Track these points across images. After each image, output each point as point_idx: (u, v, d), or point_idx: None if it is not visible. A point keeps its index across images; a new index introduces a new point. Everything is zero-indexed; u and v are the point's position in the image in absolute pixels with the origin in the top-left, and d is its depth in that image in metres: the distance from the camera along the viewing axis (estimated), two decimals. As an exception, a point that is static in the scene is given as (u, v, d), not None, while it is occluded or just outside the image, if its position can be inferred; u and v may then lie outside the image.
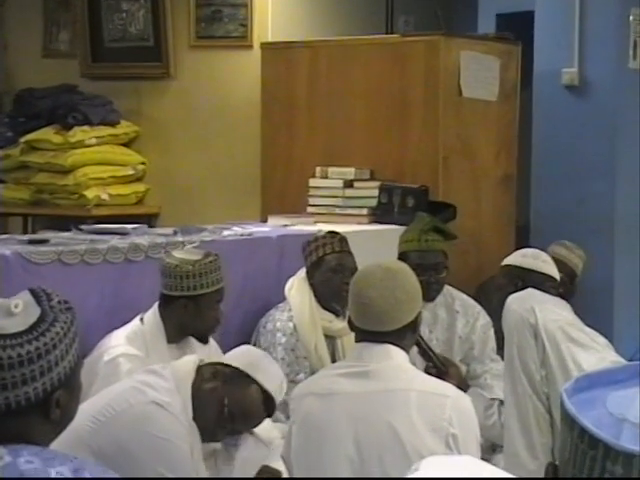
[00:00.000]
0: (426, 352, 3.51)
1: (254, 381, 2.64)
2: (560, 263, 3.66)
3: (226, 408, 2.57)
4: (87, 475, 1.56)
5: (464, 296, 3.89)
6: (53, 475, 1.55)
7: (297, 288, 3.62)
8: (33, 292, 1.68)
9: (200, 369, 2.60)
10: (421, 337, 3.50)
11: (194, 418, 2.52)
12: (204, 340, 3.18)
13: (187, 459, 2.44)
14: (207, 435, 2.56)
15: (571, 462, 1.13)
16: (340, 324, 3.57)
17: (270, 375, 2.69)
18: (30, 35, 5.84)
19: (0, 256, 3.03)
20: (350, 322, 2.46)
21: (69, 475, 1.55)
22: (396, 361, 2.37)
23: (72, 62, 5.70)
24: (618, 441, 1.09)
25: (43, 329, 1.63)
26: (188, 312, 3.08)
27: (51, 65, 5.76)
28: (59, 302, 1.68)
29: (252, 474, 2.69)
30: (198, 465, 2.50)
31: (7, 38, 5.93)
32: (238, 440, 2.72)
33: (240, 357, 2.73)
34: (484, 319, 3.81)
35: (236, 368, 2.64)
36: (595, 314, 3.96)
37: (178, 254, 3.17)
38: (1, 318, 1.63)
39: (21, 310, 1.64)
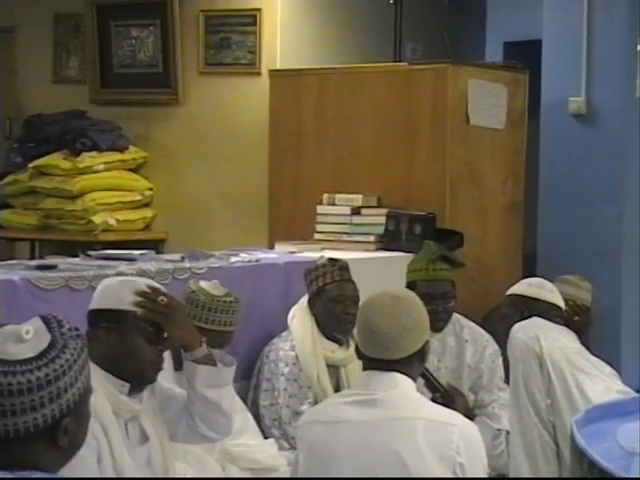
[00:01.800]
0: (432, 383, 3.50)
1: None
2: (570, 302, 3.64)
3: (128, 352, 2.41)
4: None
5: (473, 324, 3.89)
6: (61, 502, 1.55)
7: (299, 318, 3.61)
8: (44, 318, 1.68)
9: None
10: (426, 369, 3.49)
11: (120, 376, 2.40)
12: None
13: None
14: (144, 380, 2.44)
15: None
16: (343, 353, 3.56)
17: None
18: (40, 61, 5.89)
19: (8, 282, 3.04)
20: (357, 350, 2.46)
21: (77, 502, 1.55)
22: (403, 389, 2.37)
23: (81, 88, 5.74)
24: (628, 474, 1.08)
25: (53, 356, 1.64)
26: None
27: (60, 91, 5.80)
28: (69, 329, 1.68)
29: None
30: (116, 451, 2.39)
31: (17, 63, 5.98)
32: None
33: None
34: (492, 348, 3.81)
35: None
36: (602, 342, 3.95)
37: (202, 283, 3.18)
38: (12, 344, 1.63)
39: (32, 336, 1.64)
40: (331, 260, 3.66)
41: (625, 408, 1.21)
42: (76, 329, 1.71)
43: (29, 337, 1.64)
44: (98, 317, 2.40)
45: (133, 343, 2.40)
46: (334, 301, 3.54)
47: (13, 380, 1.60)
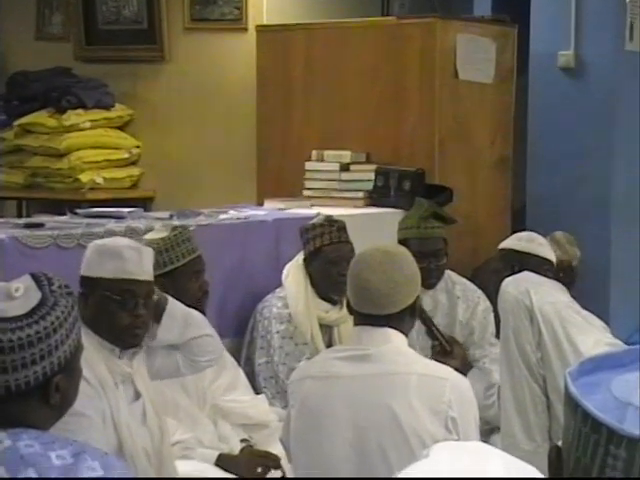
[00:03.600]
0: (432, 332, 3.53)
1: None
2: (557, 259, 3.65)
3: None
4: (88, 458, 1.56)
5: (465, 281, 3.90)
6: (53, 458, 1.55)
7: (293, 276, 3.60)
8: (34, 276, 1.67)
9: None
10: (428, 317, 3.51)
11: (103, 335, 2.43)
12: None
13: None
14: (123, 344, 2.47)
15: (574, 445, 1.13)
16: (336, 313, 3.56)
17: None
18: (23, 18, 5.80)
19: (-4, 240, 3.03)
20: (349, 305, 2.46)
21: (69, 458, 1.55)
22: (395, 344, 2.37)
23: (66, 45, 5.67)
24: (622, 425, 1.08)
25: (44, 313, 1.63)
26: (167, 290, 2.99)
27: (45, 48, 5.72)
28: (60, 286, 1.67)
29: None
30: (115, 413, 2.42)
31: None
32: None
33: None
34: (484, 304, 3.82)
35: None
36: (591, 296, 3.96)
37: (148, 235, 3.14)
38: (2, 301, 1.62)
39: (22, 294, 1.63)
40: (329, 220, 3.62)
41: (619, 360, 1.21)
42: (66, 287, 1.70)
43: (19, 294, 1.63)
44: (80, 282, 2.44)
45: (106, 309, 2.43)
46: (331, 263, 3.51)
47: (4, 337, 1.60)
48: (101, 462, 1.56)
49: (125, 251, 2.46)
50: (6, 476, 1.53)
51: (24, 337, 1.60)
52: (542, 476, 1.00)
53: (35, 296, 1.64)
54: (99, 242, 2.56)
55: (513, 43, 4.92)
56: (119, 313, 2.43)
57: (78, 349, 1.71)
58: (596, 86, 4.92)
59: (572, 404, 1.15)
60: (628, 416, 1.11)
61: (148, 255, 2.52)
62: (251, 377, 3.47)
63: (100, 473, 1.55)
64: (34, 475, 1.52)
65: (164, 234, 3.08)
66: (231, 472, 2.86)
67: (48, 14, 5.79)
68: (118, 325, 2.43)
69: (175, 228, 3.13)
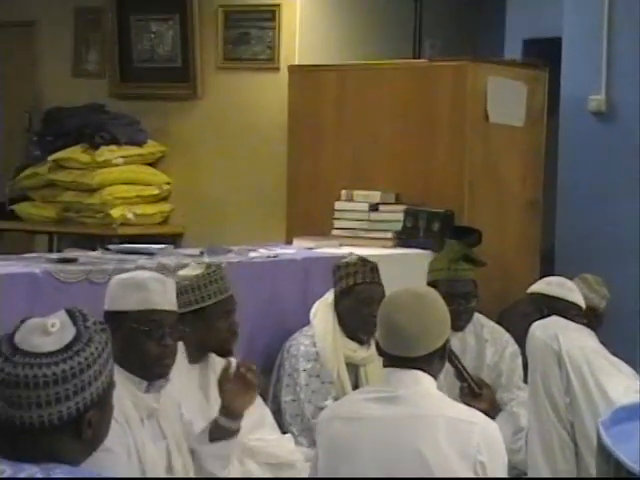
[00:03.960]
0: (461, 373, 3.51)
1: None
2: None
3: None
4: (118, 495, 1.57)
5: (493, 324, 3.89)
6: (85, 495, 1.56)
7: (321, 314, 3.60)
8: (69, 312, 1.69)
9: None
10: (457, 359, 3.50)
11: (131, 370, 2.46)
12: (225, 353, 3.13)
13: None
14: (152, 375, 2.50)
15: None
16: (364, 353, 3.55)
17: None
18: (60, 54, 5.91)
19: (30, 274, 3.06)
20: (378, 347, 2.46)
21: (100, 495, 1.56)
22: (424, 387, 2.36)
23: (101, 82, 5.76)
24: None
25: (78, 348, 1.64)
26: (197, 328, 3.02)
27: (80, 84, 5.82)
28: (94, 323, 1.69)
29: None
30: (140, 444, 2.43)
31: (37, 57, 6.00)
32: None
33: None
34: (512, 347, 3.80)
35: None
36: (620, 341, 3.93)
37: (181, 272, 3.15)
38: (38, 337, 1.64)
39: (57, 329, 1.65)
40: (363, 260, 3.61)
41: None
42: (101, 323, 1.72)
43: (55, 330, 1.65)
44: (105, 318, 2.45)
45: (134, 341, 2.45)
46: (362, 302, 3.50)
47: (39, 372, 1.61)
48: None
49: (149, 283, 2.50)
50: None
51: (59, 372, 1.62)
52: None
53: (70, 332, 1.66)
54: (122, 276, 2.59)
55: (544, 86, 4.94)
56: (147, 344, 2.47)
57: (110, 385, 1.72)
58: (627, 130, 4.92)
59: (605, 454, 1.15)
60: None
61: (171, 286, 2.56)
62: (277, 415, 3.47)
63: (130, 510, 1.55)
64: (65, 511, 1.53)
65: (198, 271, 3.10)
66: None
67: (84, 51, 5.89)
68: (147, 356, 2.47)
69: (209, 266, 3.13)
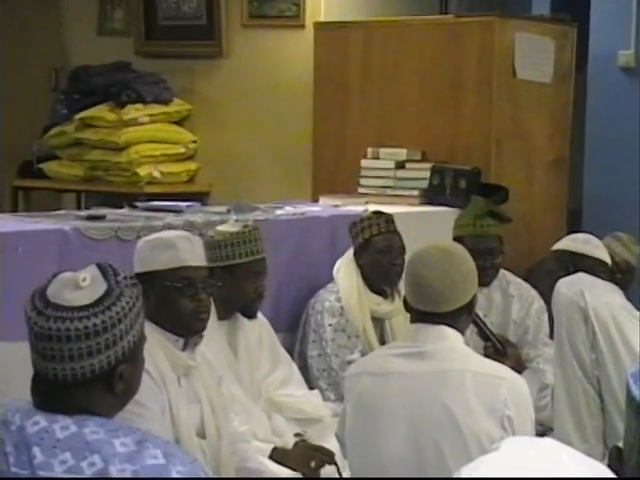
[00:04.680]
0: (484, 332, 3.52)
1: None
2: (617, 258, 3.62)
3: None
4: (150, 446, 1.59)
5: (519, 280, 3.89)
6: (117, 446, 1.58)
7: (345, 270, 3.62)
8: (100, 267, 1.70)
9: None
10: (479, 318, 3.51)
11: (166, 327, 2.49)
12: (249, 315, 3.16)
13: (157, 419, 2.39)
14: (190, 330, 2.53)
15: (636, 446, 1.13)
16: (388, 306, 3.58)
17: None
18: (85, 13, 5.90)
19: (60, 231, 3.08)
20: (405, 303, 2.47)
21: (133, 446, 1.58)
22: (451, 342, 2.37)
23: (126, 40, 5.75)
24: None
25: (109, 303, 1.66)
26: (225, 284, 3.05)
27: (105, 43, 5.81)
28: (125, 277, 1.71)
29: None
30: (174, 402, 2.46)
31: (62, 15, 5.99)
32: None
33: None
34: (539, 303, 3.81)
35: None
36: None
37: (219, 227, 3.18)
38: (69, 291, 1.66)
39: (88, 284, 1.66)
40: (376, 212, 3.65)
41: None
42: (132, 278, 1.73)
43: (86, 284, 1.66)
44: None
45: (168, 299, 2.50)
46: (381, 252, 3.54)
47: (71, 326, 1.63)
48: (163, 450, 1.59)
49: (177, 241, 2.54)
50: (72, 461, 1.56)
51: (90, 326, 1.64)
52: (609, 473, 1.00)
53: (101, 286, 1.67)
54: (148, 238, 2.62)
55: (572, 42, 4.88)
56: (182, 300, 2.51)
57: (142, 339, 1.74)
58: (656, 86, 4.86)
59: (634, 405, 1.15)
60: None
61: (198, 242, 2.62)
62: (304, 371, 3.50)
63: (162, 461, 1.58)
64: (99, 461, 1.56)
65: (234, 229, 3.13)
66: (285, 465, 2.89)
67: (109, 9, 5.88)
68: (183, 312, 2.51)
69: (246, 226, 3.16)
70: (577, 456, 1.01)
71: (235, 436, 2.73)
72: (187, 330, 2.53)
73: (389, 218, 3.62)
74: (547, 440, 1.02)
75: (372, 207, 4.11)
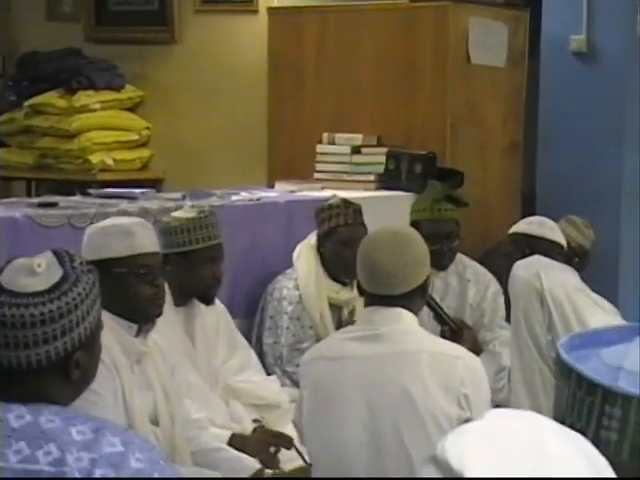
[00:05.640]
0: (441, 316, 3.54)
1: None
2: (572, 244, 3.67)
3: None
4: (108, 434, 1.57)
5: (475, 264, 3.92)
6: (74, 434, 1.56)
7: (305, 256, 3.61)
8: (55, 253, 1.68)
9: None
10: (436, 302, 3.52)
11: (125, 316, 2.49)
12: (206, 301, 3.14)
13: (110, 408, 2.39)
14: (147, 317, 2.54)
15: (569, 411, 1.16)
16: (347, 294, 3.57)
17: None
18: (34, -2, 5.80)
19: (10, 219, 3.04)
20: (359, 287, 2.47)
21: (90, 434, 1.56)
22: (406, 324, 2.38)
23: (76, 25, 5.66)
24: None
25: (65, 289, 1.64)
26: (181, 270, 3.03)
27: (55, 28, 5.72)
28: (81, 263, 1.69)
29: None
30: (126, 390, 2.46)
31: (10, 0, 5.89)
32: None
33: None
34: (495, 287, 3.84)
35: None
36: (601, 281, 3.96)
37: (174, 213, 3.16)
38: (24, 277, 1.63)
39: (44, 270, 1.64)
40: (345, 202, 3.62)
41: (607, 337, 1.23)
42: (87, 263, 1.71)
43: (41, 270, 1.64)
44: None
45: (125, 286, 2.49)
46: (344, 244, 3.51)
47: (26, 312, 1.61)
48: (121, 438, 1.57)
49: (134, 227, 2.54)
50: (27, 451, 1.54)
51: (46, 312, 1.62)
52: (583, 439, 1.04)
53: (57, 272, 1.65)
54: (100, 225, 2.61)
55: (525, 27, 4.91)
56: (141, 287, 2.51)
57: (98, 326, 1.72)
58: (608, 71, 4.90)
59: (565, 371, 1.17)
60: (621, 379, 1.14)
61: (151, 228, 2.63)
62: (261, 357, 3.49)
63: (120, 449, 1.56)
64: (55, 450, 1.54)
65: (191, 215, 3.10)
66: (244, 452, 2.88)
67: (59, -6, 5.79)
68: (142, 298, 2.51)
69: (202, 211, 3.14)
70: (557, 426, 1.05)
71: (189, 422, 2.72)
72: (144, 316, 2.53)
73: (357, 209, 3.59)
74: (528, 412, 1.04)
75: (328, 192, 4.10)
